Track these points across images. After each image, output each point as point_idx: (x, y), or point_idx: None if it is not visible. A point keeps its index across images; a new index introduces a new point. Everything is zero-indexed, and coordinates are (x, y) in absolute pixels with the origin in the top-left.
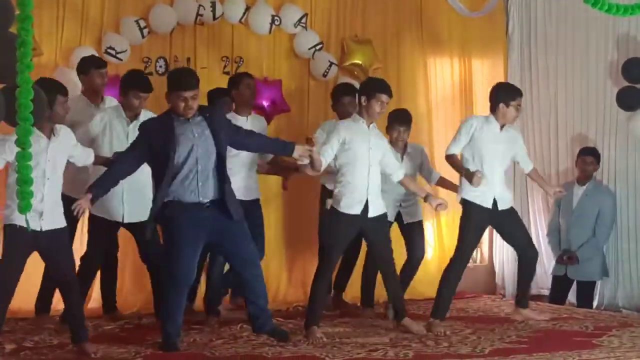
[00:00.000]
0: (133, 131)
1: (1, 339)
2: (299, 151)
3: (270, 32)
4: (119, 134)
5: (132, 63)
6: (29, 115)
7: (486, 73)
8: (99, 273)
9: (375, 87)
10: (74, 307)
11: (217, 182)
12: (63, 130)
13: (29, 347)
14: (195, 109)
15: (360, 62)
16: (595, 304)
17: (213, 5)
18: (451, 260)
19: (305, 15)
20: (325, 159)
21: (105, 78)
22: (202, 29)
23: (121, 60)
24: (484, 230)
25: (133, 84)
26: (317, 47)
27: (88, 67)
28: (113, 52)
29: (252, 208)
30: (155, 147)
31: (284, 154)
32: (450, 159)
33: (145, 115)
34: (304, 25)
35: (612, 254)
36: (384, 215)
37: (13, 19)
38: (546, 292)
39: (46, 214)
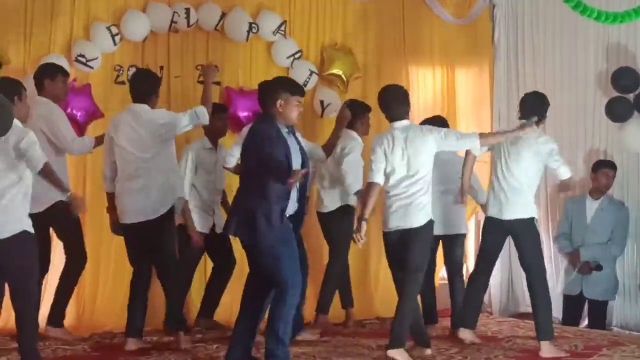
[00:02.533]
0: None
1: None
2: None
3: (247, 39)
4: None
5: (103, 71)
6: None
7: (471, 83)
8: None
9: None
10: None
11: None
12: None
13: None
14: None
15: (340, 71)
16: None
17: (187, 12)
18: None
19: (284, 22)
20: None
21: (67, 87)
22: (176, 36)
23: (92, 68)
24: None
25: None
26: (296, 56)
27: (55, 72)
28: (83, 60)
29: None
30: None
31: None
32: None
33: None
34: (282, 32)
35: (622, 272)
36: None
37: None
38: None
39: None
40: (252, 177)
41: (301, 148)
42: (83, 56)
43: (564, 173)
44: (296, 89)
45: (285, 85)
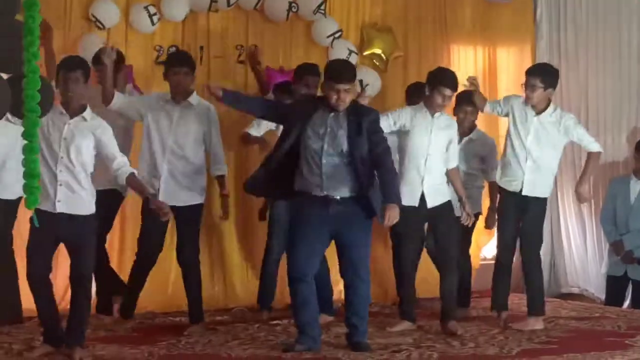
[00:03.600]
0: (180, 115)
1: None
2: None
3: (287, 19)
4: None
5: (143, 52)
6: (36, 106)
7: (512, 61)
8: None
9: (439, 79)
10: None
11: (353, 180)
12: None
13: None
14: (347, 103)
15: (380, 50)
16: None
17: None
18: None
19: (324, 1)
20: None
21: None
22: (216, 15)
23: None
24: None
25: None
26: (336, 35)
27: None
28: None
29: None
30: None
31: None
32: None
33: (196, 99)
34: (322, 12)
35: None
36: (445, 205)
37: (19, 5)
38: (577, 291)
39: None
40: None
41: (358, 131)
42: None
43: None
44: (333, 75)
45: (327, 70)
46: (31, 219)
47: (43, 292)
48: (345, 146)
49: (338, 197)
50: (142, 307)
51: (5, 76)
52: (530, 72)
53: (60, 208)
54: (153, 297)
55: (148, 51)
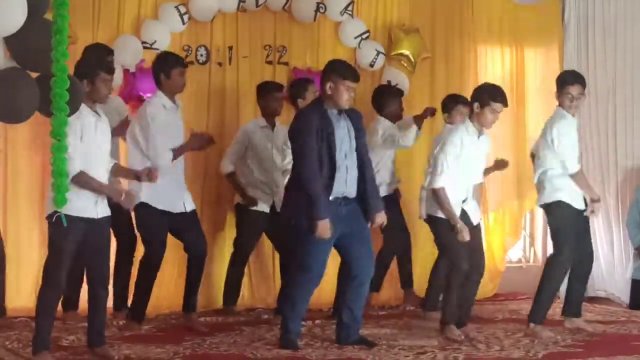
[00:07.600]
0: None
1: None
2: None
3: (314, 19)
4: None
5: (172, 51)
6: (64, 105)
7: (540, 63)
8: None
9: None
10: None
11: (359, 179)
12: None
13: (64, 347)
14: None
15: (407, 51)
16: None
17: None
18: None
19: (352, 2)
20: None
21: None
22: (244, 16)
23: (158, 49)
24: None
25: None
26: (364, 36)
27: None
28: (148, 45)
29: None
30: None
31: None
32: None
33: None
34: (350, 13)
35: None
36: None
37: (48, 5)
38: (603, 294)
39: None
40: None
41: (356, 131)
42: (146, 42)
43: None
44: (347, 73)
45: (336, 69)
46: (59, 218)
47: (57, 299)
48: (354, 145)
49: (352, 197)
50: (169, 307)
51: (34, 75)
52: (583, 83)
53: (100, 213)
54: (180, 297)
55: (176, 51)
